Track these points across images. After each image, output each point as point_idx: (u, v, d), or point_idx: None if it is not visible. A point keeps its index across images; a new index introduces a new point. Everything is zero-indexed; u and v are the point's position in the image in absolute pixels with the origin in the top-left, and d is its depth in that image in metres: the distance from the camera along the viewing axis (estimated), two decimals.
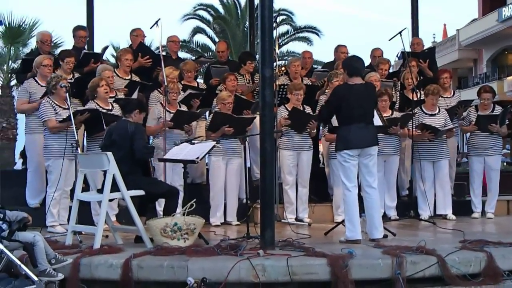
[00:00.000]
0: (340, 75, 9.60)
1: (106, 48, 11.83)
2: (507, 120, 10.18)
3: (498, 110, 10.17)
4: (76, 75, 9.61)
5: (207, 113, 10.24)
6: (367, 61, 10.12)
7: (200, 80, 11.15)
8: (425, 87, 10.23)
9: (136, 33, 11.00)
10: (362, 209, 7.69)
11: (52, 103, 8.37)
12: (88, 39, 11.13)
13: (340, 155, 7.55)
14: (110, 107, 8.76)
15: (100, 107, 8.59)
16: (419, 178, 9.94)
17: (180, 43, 12.39)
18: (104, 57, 11.26)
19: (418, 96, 10.11)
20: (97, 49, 11.58)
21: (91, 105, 8.63)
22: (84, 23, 11.85)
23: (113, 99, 8.94)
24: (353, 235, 7.43)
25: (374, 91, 8.10)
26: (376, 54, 11.43)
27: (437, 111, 9.98)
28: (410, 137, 9.82)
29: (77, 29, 10.79)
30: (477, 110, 10.23)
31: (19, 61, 26.92)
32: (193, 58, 14.66)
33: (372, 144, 7.57)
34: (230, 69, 10.78)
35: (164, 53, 10.12)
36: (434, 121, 9.83)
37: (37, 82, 9.03)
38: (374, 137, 7.65)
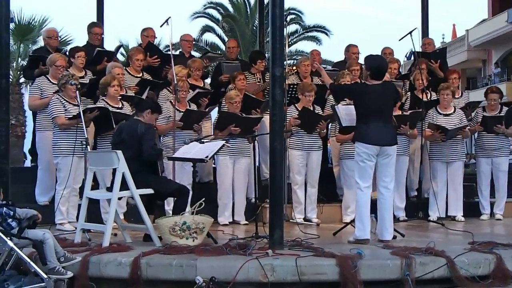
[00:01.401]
0: (347, 75, 9.60)
1: (119, 47, 11.87)
2: None
3: (505, 111, 10.16)
4: (89, 72, 9.64)
5: (215, 111, 10.27)
6: None
7: (207, 80, 11.13)
8: (435, 88, 10.23)
9: (147, 33, 11.03)
10: (372, 210, 7.69)
11: (62, 100, 8.39)
12: (103, 36, 11.15)
13: (358, 154, 7.49)
14: (120, 105, 8.78)
15: (110, 105, 8.61)
16: (431, 179, 9.93)
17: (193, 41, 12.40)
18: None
19: (428, 97, 10.09)
20: (107, 46, 11.59)
21: (101, 103, 8.66)
22: (94, 21, 11.88)
23: (121, 96, 8.95)
24: (362, 234, 7.41)
25: (394, 90, 7.98)
26: (387, 52, 11.41)
27: (453, 111, 9.96)
28: (423, 137, 9.82)
29: (92, 25, 10.86)
30: (485, 111, 10.22)
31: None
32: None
33: (391, 143, 7.52)
34: (241, 66, 10.81)
35: (177, 52, 10.14)
36: (449, 121, 9.82)
37: (48, 80, 9.06)
38: (393, 136, 7.62)
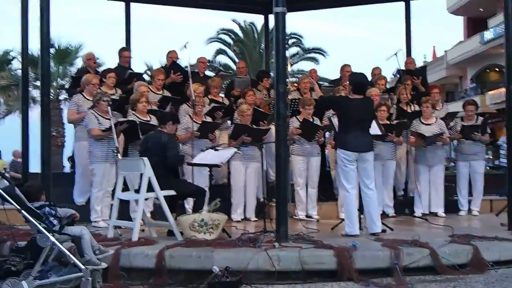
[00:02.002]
0: (342, 91, 9.62)
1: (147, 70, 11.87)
2: (488, 130, 10.15)
3: (481, 120, 10.14)
4: (119, 90, 9.65)
5: (229, 123, 10.29)
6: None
7: (221, 94, 11.17)
8: (418, 101, 10.23)
9: (171, 55, 11.10)
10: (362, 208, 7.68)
11: (96, 114, 8.42)
12: (132, 58, 11.22)
13: (340, 160, 7.52)
14: (148, 118, 8.84)
15: (139, 118, 8.66)
16: (416, 180, 9.92)
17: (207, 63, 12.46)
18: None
19: (412, 109, 10.09)
20: (134, 68, 11.63)
21: (131, 116, 8.69)
22: (124, 46, 11.95)
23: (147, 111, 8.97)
24: (351, 230, 7.41)
25: (372, 104, 8.01)
26: (376, 72, 11.43)
27: (434, 120, 9.94)
28: (408, 144, 9.82)
29: (122, 50, 10.97)
30: (463, 121, 10.20)
31: (67, 79, 27.26)
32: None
33: (367, 150, 7.53)
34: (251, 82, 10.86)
35: (193, 71, 10.17)
36: (430, 130, 9.78)
37: (84, 96, 9.09)
38: (369, 144, 7.61)
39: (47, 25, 8.08)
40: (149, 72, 21.51)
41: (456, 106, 21.56)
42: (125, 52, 10.89)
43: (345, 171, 7.49)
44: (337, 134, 7.73)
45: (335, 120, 8.04)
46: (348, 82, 8.19)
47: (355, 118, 7.47)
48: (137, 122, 8.52)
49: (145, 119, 8.76)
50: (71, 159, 10.50)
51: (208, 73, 11.79)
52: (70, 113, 9.23)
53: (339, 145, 7.54)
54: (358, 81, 7.69)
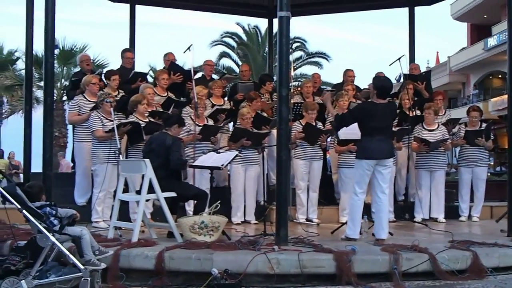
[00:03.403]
0: (345, 95, 9.61)
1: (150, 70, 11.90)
2: (492, 136, 10.13)
3: (485, 126, 10.14)
4: (122, 92, 9.66)
5: (230, 126, 10.29)
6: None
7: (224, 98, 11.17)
8: (421, 106, 10.22)
9: (168, 57, 11.09)
10: (364, 213, 7.66)
11: (100, 115, 8.43)
12: (134, 60, 11.22)
13: (359, 163, 7.41)
14: (148, 121, 8.79)
15: (140, 120, 8.64)
16: (416, 185, 9.91)
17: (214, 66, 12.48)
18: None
19: (414, 114, 10.09)
20: (138, 69, 11.63)
21: (132, 118, 8.69)
22: (127, 47, 11.95)
23: (148, 113, 8.96)
24: (352, 234, 7.39)
25: (395, 109, 7.93)
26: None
27: (436, 127, 9.94)
28: (410, 149, 9.81)
29: (125, 51, 10.96)
30: (467, 127, 10.20)
31: None
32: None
33: (389, 156, 7.45)
34: (254, 87, 10.85)
35: (199, 75, 10.18)
36: (432, 136, 9.79)
37: (85, 97, 9.10)
38: (391, 149, 7.55)
39: (52, 25, 8.08)
40: (152, 73, 21.46)
41: (458, 113, 21.59)
42: (127, 53, 10.88)
43: (361, 174, 7.40)
44: (360, 141, 7.56)
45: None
46: (371, 85, 8.09)
47: (380, 124, 7.35)
48: (140, 123, 8.52)
49: (145, 121, 8.72)
50: (72, 159, 10.49)
51: (214, 76, 11.78)
52: (71, 115, 9.22)
53: (362, 154, 7.39)
54: (383, 85, 7.56)
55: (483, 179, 10.16)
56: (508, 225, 7.96)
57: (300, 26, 61.38)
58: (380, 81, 7.76)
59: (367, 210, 7.76)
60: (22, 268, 5.75)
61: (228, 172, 9.80)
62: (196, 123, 9.17)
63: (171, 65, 10.71)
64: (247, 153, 9.23)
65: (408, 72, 11.13)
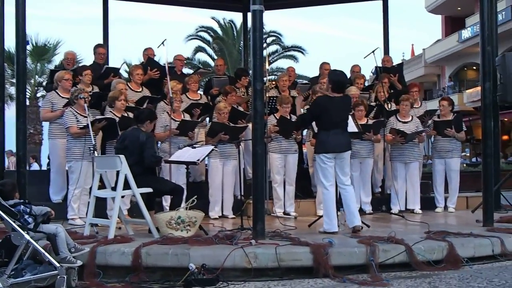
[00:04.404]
0: (319, 92, 9.61)
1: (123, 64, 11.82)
2: (464, 127, 10.20)
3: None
4: (95, 88, 9.59)
5: (207, 120, 10.27)
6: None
7: (200, 92, 11.14)
8: (396, 99, 10.28)
9: (147, 52, 11.05)
10: (340, 204, 7.70)
11: (75, 112, 8.36)
12: (107, 56, 11.12)
13: (319, 157, 7.54)
14: (121, 116, 8.74)
15: (117, 116, 8.62)
16: (392, 177, 9.98)
17: (185, 61, 12.41)
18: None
19: (389, 107, 10.14)
20: (112, 64, 11.56)
21: (108, 114, 8.64)
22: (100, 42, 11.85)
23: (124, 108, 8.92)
24: (329, 227, 7.42)
25: (350, 102, 8.04)
26: (355, 70, 11.48)
27: (410, 119, 10.00)
28: (385, 141, 9.86)
29: (97, 46, 10.85)
30: (439, 118, 10.27)
31: (44, 76, 27.05)
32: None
33: (346, 149, 7.54)
34: (229, 81, 10.83)
35: (171, 67, 10.13)
36: (407, 128, 9.84)
37: (58, 94, 9.02)
38: (348, 142, 7.62)
39: (23, 21, 8.01)
40: (125, 67, 21.28)
41: (434, 104, 21.72)
42: (100, 48, 10.78)
43: (323, 168, 7.50)
44: (317, 134, 7.67)
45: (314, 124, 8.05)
46: (327, 79, 8.17)
47: (335, 117, 7.46)
48: (116, 119, 8.47)
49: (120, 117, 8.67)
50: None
51: (186, 70, 11.74)
52: (43, 112, 9.12)
53: (320, 148, 7.50)
54: (338, 80, 7.63)
55: (456, 170, 10.21)
56: (483, 215, 8.04)
57: (275, 20, 61.52)
58: (336, 75, 7.74)
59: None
60: None
61: (206, 167, 9.78)
62: (172, 118, 9.13)
63: (148, 61, 10.67)
64: (225, 147, 9.22)
65: (381, 65, 11.20)
